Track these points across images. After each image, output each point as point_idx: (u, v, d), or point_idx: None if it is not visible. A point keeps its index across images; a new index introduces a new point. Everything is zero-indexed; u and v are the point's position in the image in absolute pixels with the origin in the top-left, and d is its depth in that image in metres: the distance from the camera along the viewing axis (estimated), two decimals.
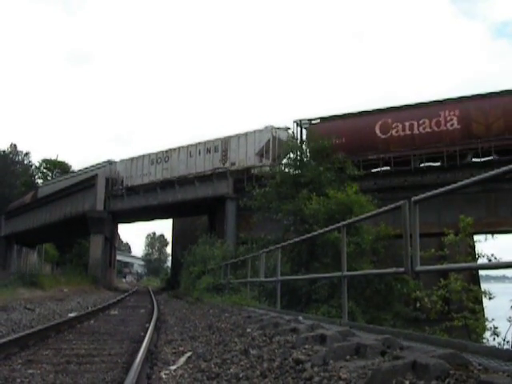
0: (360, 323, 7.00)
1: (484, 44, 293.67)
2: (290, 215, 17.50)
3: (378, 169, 23.87)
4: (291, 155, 20.69)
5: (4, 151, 67.41)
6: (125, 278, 79.94)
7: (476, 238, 12.59)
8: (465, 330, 9.53)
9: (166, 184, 31.84)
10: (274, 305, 10.05)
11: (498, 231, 19.52)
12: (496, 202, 20.67)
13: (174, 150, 32.27)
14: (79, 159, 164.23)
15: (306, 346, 4.14)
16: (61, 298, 17.81)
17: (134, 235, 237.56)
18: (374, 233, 14.87)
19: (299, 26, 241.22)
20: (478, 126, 22.33)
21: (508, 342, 8.06)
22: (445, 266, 6.89)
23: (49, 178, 58.59)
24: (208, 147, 30.38)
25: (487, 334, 9.41)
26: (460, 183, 3.96)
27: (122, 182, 34.52)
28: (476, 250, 11.97)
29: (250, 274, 13.08)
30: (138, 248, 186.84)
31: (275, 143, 27.77)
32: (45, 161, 62.70)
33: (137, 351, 5.55)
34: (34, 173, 65.27)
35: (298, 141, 25.76)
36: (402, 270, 4.52)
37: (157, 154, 33.16)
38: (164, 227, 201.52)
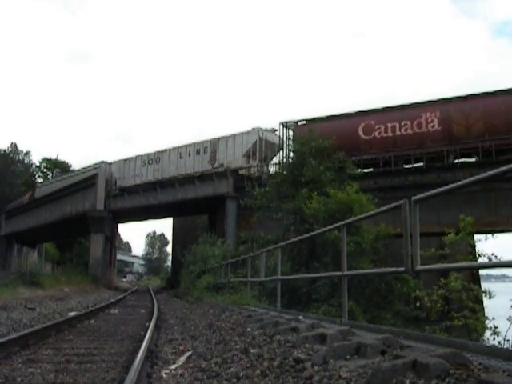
0: (360, 322, 7.00)
1: (484, 43, 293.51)
2: (290, 214, 17.51)
3: (379, 168, 23.90)
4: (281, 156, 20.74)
5: (4, 150, 67.45)
6: (125, 277, 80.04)
7: (476, 237, 12.58)
8: (465, 330, 9.53)
9: (158, 185, 32.35)
10: (275, 304, 10.05)
11: (498, 230, 19.51)
12: (496, 201, 20.67)
13: (165, 151, 32.84)
14: (79, 158, 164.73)
15: (307, 345, 4.14)
16: (61, 297, 17.82)
17: (135, 234, 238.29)
18: (374, 232, 14.86)
19: (291, 27, 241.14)
20: (459, 128, 22.69)
21: (508, 341, 8.06)
22: (445, 265, 6.89)
23: (49, 177, 58.64)
24: (197, 148, 30.93)
25: (487, 334, 9.41)
26: (460, 183, 3.96)
27: (116, 182, 34.89)
28: (476, 249, 11.97)
29: (250, 273, 13.09)
30: (139, 247, 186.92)
31: (262, 145, 28.33)
32: (45, 160, 62.76)
33: (137, 350, 5.55)
34: (35, 172, 65.34)
35: (285, 142, 26.32)
36: (402, 269, 4.52)
37: (148, 155, 33.76)
38: (164, 226, 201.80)
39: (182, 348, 5.84)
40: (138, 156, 34.41)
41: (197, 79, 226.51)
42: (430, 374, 2.60)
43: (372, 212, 6.59)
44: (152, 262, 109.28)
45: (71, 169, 57.30)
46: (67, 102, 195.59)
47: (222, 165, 29.26)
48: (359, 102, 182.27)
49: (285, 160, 25.64)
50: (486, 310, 10.66)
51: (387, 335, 3.95)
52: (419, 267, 4.30)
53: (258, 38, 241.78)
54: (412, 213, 4.39)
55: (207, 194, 29.36)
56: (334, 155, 19.16)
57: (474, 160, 21.70)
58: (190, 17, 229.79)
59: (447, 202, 19.54)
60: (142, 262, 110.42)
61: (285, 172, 19.35)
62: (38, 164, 64.72)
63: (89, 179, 35.67)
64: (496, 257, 8.97)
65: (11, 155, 68.28)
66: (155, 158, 33.13)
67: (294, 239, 10.71)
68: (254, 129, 29.12)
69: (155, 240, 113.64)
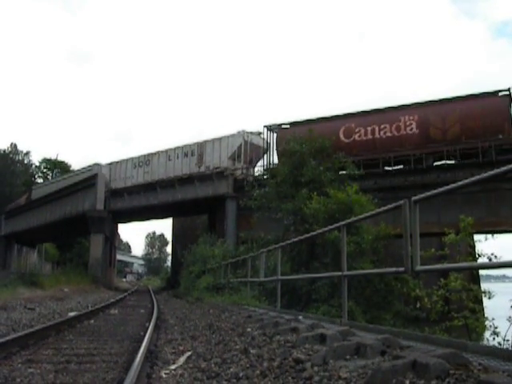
0: (360, 323, 7.00)
1: (484, 44, 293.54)
2: (290, 215, 17.51)
3: (379, 168, 23.94)
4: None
5: (4, 151, 67.48)
6: (125, 277, 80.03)
7: (476, 237, 12.58)
8: (465, 330, 9.53)
9: (148, 187, 33.08)
10: (274, 304, 10.05)
11: (499, 231, 19.52)
12: (496, 201, 20.68)
13: (155, 154, 33.68)
14: (79, 158, 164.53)
15: (306, 346, 4.14)
16: (61, 297, 17.80)
17: (134, 235, 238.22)
18: (374, 232, 14.87)
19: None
20: (436, 131, 23.19)
21: (508, 341, 8.06)
22: (445, 265, 6.89)
23: (49, 177, 58.67)
24: (185, 151, 31.70)
25: (487, 334, 9.41)
26: (460, 183, 3.96)
27: (107, 184, 35.34)
28: (476, 249, 11.97)
29: (250, 273, 13.09)
30: (138, 247, 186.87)
31: (247, 147, 29.01)
32: (45, 160, 62.76)
33: (137, 351, 5.55)
34: (34, 172, 65.34)
35: (270, 145, 27.35)
36: (402, 269, 4.52)
37: (139, 157, 34.54)
38: (164, 227, 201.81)
39: (181, 348, 5.83)
40: (129, 158, 35.16)
41: (196, 79, 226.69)
42: (429, 374, 2.60)
43: (372, 212, 6.59)
44: (152, 262, 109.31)
45: (71, 169, 57.34)
46: (67, 102, 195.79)
47: (209, 167, 30.00)
48: (359, 102, 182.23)
49: (270, 162, 27.15)
50: (485, 311, 10.67)
51: (387, 335, 3.95)
52: (419, 267, 4.30)
53: (248, 41, 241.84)
54: (412, 213, 4.39)
55: (207, 194, 29.44)
56: (334, 155, 19.18)
57: (473, 160, 21.72)
58: (186, 20, 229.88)
59: (447, 202, 19.55)
60: (142, 262, 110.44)
61: (281, 172, 19.31)
62: (37, 164, 64.80)
63: (88, 179, 35.72)
64: (496, 257, 8.98)
65: (11, 155, 68.34)
66: (145, 161, 33.97)
67: (294, 239, 10.71)
68: (239, 132, 29.75)
69: (155, 240, 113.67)
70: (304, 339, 4.34)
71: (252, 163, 28.68)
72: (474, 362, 2.90)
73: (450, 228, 10.46)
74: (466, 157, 21.83)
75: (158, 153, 33.45)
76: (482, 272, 23.27)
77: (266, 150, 28.36)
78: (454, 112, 22.87)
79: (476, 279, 21.37)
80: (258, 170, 29.04)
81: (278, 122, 28.44)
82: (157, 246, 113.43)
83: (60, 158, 63.44)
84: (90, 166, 38.36)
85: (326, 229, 8.11)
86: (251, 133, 29.89)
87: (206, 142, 30.92)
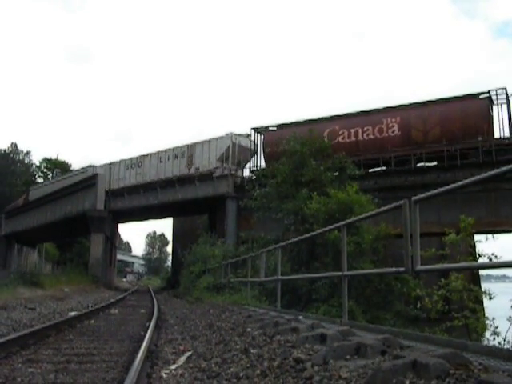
0: (360, 323, 7.00)
1: (485, 44, 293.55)
2: (290, 215, 17.50)
3: (378, 168, 24.00)
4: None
5: (4, 150, 67.47)
6: (125, 277, 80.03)
7: (476, 237, 12.58)
8: (465, 330, 9.53)
9: (140, 188, 33.62)
10: (275, 304, 10.04)
11: (499, 231, 19.52)
12: (496, 201, 20.68)
13: (146, 155, 34.43)
14: (80, 158, 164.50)
15: (307, 346, 4.14)
16: (61, 297, 17.80)
17: (135, 234, 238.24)
18: (374, 232, 14.86)
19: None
20: (417, 133, 23.55)
21: (508, 341, 8.06)
22: (445, 265, 6.89)
23: (49, 177, 58.67)
24: (176, 153, 32.40)
25: (487, 334, 9.40)
26: (460, 183, 3.95)
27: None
28: (476, 249, 11.96)
29: (250, 273, 13.08)
30: (139, 247, 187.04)
31: (235, 149, 29.56)
32: (45, 160, 62.77)
33: (137, 350, 5.55)
34: (35, 172, 65.32)
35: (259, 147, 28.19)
36: (402, 269, 4.52)
37: (131, 159, 35.27)
38: (164, 226, 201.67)
39: (182, 348, 5.84)
40: (122, 160, 35.88)
41: (196, 79, 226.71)
42: (429, 374, 2.60)
43: (372, 212, 6.58)
44: (152, 261, 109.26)
45: (71, 169, 57.36)
46: (67, 101, 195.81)
47: (198, 169, 30.59)
48: (357, 102, 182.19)
49: (256, 164, 28.15)
50: (485, 311, 10.66)
51: (387, 335, 3.95)
52: (419, 267, 4.30)
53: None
54: (412, 213, 4.39)
55: (207, 194, 29.49)
56: (335, 155, 19.20)
57: (473, 160, 21.76)
58: (182, 22, 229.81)
59: (448, 202, 19.55)
60: (142, 261, 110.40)
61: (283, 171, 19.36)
62: (38, 164, 64.80)
63: (89, 179, 35.81)
64: (496, 257, 8.97)
65: (11, 155, 68.33)
66: (137, 163, 34.69)
67: (295, 239, 10.71)
68: (227, 134, 30.33)
69: (155, 240, 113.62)
70: (304, 339, 4.34)
71: (240, 165, 29.22)
72: (474, 362, 2.90)
73: (450, 228, 10.45)
74: (448, 158, 22.14)
75: (149, 155, 34.21)
76: (482, 272, 23.27)
77: (255, 152, 29.00)
78: (434, 114, 23.30)
79: (476, 279, 21.38)
80: (255, 171, 29.42)
81: (275, 122, 29.12)
82: (157, 246, 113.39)
83: (60, 158, 63.56)
84: (84, 168, 39.27)
85: (326, 229, 8.10)
86: (239, 135, 30.46)
87: (195, 144, 31.57)
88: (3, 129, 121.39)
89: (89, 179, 35.78)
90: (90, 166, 38.23)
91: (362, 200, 15.01)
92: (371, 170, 23.96)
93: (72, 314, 11.28)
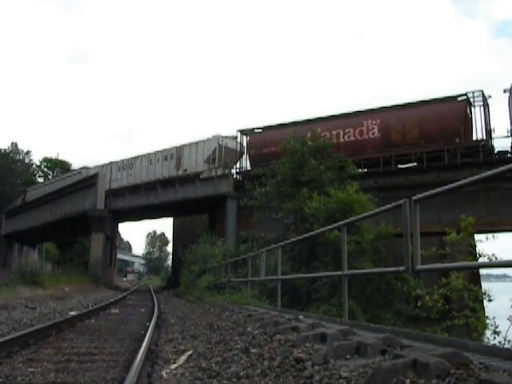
0: (360, 322, 6.99)
1: (485, 43, 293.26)
2: (290, 214, 17.51)
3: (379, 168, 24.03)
4: None
5: (5, 150, 67.43)
6: (125, 276, 80.00)
7: (476, 237, 12.58)
8: (465, 329, 9.53)
9: (132, 189, 34.36)
10: (275, 304, 10.04)
11: (499, 230, 19.52)
12: (496, 200, 20.68)
13: (137, 157, 35.42)
14: (79, 158, 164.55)
15: (307, 345, 4.14)
16: (61, 296, 17.80)
17: (135, 234, 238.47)
18: (374, 232, 14.86)
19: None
20: (396, 135, 24.04)
21: (509, 340, 8.05)
22: (445, 264, 6.88)
23: (49, 177, 58.69)
24: (165, 155, 33.36)
25: (488, 333, 9.40)
26: (460, 182, 3.95)
27: None
28: (477, 249, 11.95)
29: (250, 272, 13.08)
30: (139, 247, 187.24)
31: (221, 151, 30.28)
32: (45, 160, 62.79)
33: (137, 350, 5.56)
34: (35, 172, 65.31)
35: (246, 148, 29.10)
36: (402, 268, 4.52)
37: (123, 161, 36.26)
38: (165, 226, 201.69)
39: (182, 347, 5.84)
40: (115, 162, 36.83)
41: (196, 79, 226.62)
42: (430, 373, 2.60)
43: (372, 212, 6.59)
44: (152, 261, 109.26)
45: (71, 168, 57.38)
46: (67, 101, 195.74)
47: (186, 170, 31.36)
48: (354, 102, 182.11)
49: (241, 166, 29.09)
50: (486, 310, 10.66)
51: (387, 335, 3.95)
52: (420, 267, 4.30)
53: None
54: (412, 212, 4.39)
55: (207, 193, 29.55)
56: (335, 155, 19.21)
57: (473, 160, 21.80)
58: (179, 22, 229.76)
59: (448, 201, 19.55)
60: (143, 261, 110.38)
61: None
62: (38, 163, 64.80)
63: (89, 179, 35.87)
64: (496, 258, 8.96)
65: (11, 155, 68.29)
66: (129, 164, 35.61)
67: (295, 239, 10.71)
68: (214, 136, 31.27)
69: (156, 239, 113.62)
70: (304, 338, 4.34)
71: (227, 167, 29.77)
72: (474, 361, 2.90)
73: (450, 227, 10.45)
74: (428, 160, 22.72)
75: (140, 156, 35.18)
76: (482, 271, 23.32)
77: (242, 154, 29.77)
78: (413, 116, 23.77)
79: (476, 278, 21.38)
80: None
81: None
82: (157, 246, 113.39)
83: (61, 158, 63.58)
84: (79, 169, 40.47)
85: (326, 228, 8.10)
86: (226, 137, 31.25)
87: (183, 146, 32.43)
88: (3, 129, 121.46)
89: (89, 179, 35.81)
90: (84, 167, 39.46)
91: (362, 199, 15.02)
92: (371, 170, 24.03)
93: (72, 313, 11.28)
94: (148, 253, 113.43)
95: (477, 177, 3.86)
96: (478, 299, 9.81)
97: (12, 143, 69.03)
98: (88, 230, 35.24)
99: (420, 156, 22.89)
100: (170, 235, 58.28)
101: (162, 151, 33.75)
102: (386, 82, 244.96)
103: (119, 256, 65.82)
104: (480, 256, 9.91)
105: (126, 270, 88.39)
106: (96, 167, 38.15)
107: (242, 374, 3.88)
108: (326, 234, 12.26)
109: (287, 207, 17.21)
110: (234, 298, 12.56)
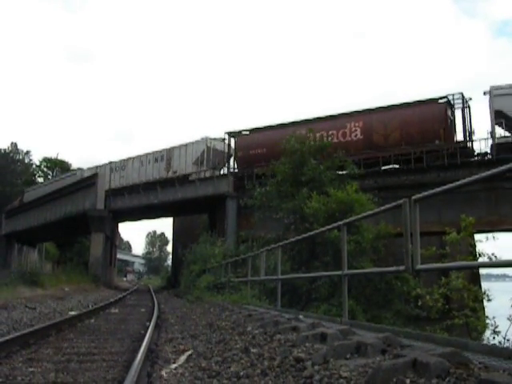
0: (360, 322, 6.99)
1: (485, 43, 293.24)
2: (290, 214, 17.51)
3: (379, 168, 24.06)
4: None
5: (4, 150, 67.38)
6: (125, 276, 79.99)
7: (476, 237, 12.58)
8: (465, 329, 9.52)
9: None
10: (275, 303, 10.04)
11: (499, 230, 19.53)
12: (496, 200, 20.69)
13: (129, 159, 36.35)
14: (79, 158, 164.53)
15: (307, 345, 4.14)
16: (61, 296, 17.80)
17: (135, 234, 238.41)
18: (374, 231, 14.86)
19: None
20: (378, 137, 24.53)
21: (508, 340, 8.05)
22: (445, 264, 6.87)
23: (49, 177, 58.67)
24: (156, 157, 34.23)
25: (488, 333, 9.40)
26: (460, 182, 3.95)
27: None
28: (477, 249, 11.95)
29: (250, 272, 13.08)
30: (139, 247, 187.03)
31: (210, 153, 31.05)
32: (45, 159, 62.78)
33: (137, 350, 5.55)
34: (35, 171, 65.29)
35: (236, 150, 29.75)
36: (402, 268, 4.52)
37: (115, 162, 37.14)
38: (165, 226, 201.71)
39: (182, 347, 5.83)
40: (108, 163, 37.56)
41: (197, 78, 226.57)
42: (430, 373, 2.60)
43: (372, 211, 6.58)
44: (152, 261, 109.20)
45: (71, 168, 57.37)
46: (67, 101, 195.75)
47: (176, 172, 32.10)
48: (355, 102, 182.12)
49: (228, 168, 29.85)
50: (486, 310, 10.66)
51: (387, 334, 3.94)
52: (419, 266, 4.30)
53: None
54: (412, 212, 4.39)
55: (207, 193, 29.57)
56: (335, 154, 19.22)
57: (474, 159, 21.85)
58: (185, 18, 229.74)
59: (448, 201, 19.56)
60: (143, 261, 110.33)
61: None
62: (38, 163, 64.79)
63: (88, 179, 35.89)
64: (496, 257, 8.96)
65: (11, 154, 68.22)
66: (121, 166, 36.37)
67: (294, 239, 10.71)
68: (202, 138, 31.95)
69: (155, 239, 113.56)
70: (304, 338, 4.34)
71: (216, 168, 30.37)
72: (474, 361, 2.90)
73: (450, 227, 10.45)
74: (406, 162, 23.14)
75: (132, 158, 35.90)
76: (482, 271, 23.32)
77: (231, 156, 30.44)
78: (395, 118, 24.16)
79: (476, 278, 21.41)
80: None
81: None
82: (157, 245, 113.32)
83: (60, 158, 63.59)
84: (73, 171, 41.67)
85: (326, 228, 8.10)
86: (215, 139, 31.85)
87: (173, 148, 33.15)
88: (3, 129, 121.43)
89: (88, 179, 35.82)
90: (79, 168, 40.53)
91: (362, 199, 15.02)
92: (371, 170, 24.05)
93: (72, 313, 11.28)
94: (148, 253, 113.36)
95: (476, 176, 3.86)
96: (477, 299, 9.81)
97: (12, 143, 68.97)
98: (88, 229, 35.22)
99: (400, 158, 23.28)
100: (169, 235, 58.28)
101: (152, 153, 34.43)
102: (386, 82, 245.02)
103: (119, 256, 65.82)
104: (480, 255, 9.91)
105: (126, 270, 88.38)
106: (90, 168, 38.99)
107: (241, 373, 3.87)
108: (326, 233, 12.26)
109: (287, 207, 17.21)
110: (233, 297, 12.55)
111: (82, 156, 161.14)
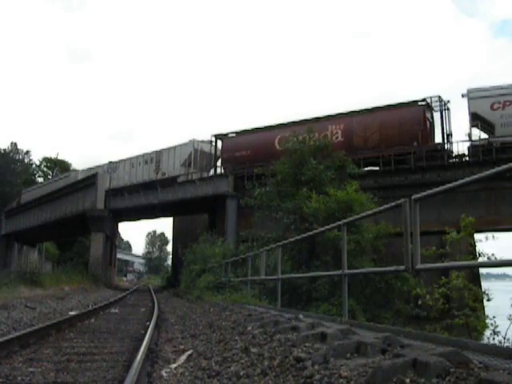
0: (360, 321, 6.99)
1: (485, 43, 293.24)
2: (290, 213, 17.49)
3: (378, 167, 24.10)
4: None
5: (4, 150, 67.38)
6: (125, 276, 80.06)
7: (476, 237, 12.58)
8: (465, 328, 9.52)
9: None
10: (275, 303, 10.04)
11: (499, 229, 19.54)
12: (496, 200, 20.69)
13: (120, 161, 37.18)
14: (79, 157, 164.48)
15: (307, 344, 4.13)
16: (61, 296, 17.79)
17: (135, 233, 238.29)
18: (374, 231, 14.85)
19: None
20: (358, 139, 24.96)
21: (508, 339, 8.05)
22: (445, 263, 6.87)
23: (49, 176, 58.68)
24: (146, 159, 35.06)
25: (488, 333, 9.39)
26: (460, 181, 3.95)
27: None
28: (477, 249, 11.95)
29: (250, 272, 13.08)
30: (139, 246, 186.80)
31: (197, 155, 31.81)
32: (45, 159, 62.80)
33: (137, 349, 5.55)
34: (35, 171, 65.31)
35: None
36: (402, 267, 4.51)
37: (108, 164, 37.74)
38: (164, 225, 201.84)
39: (182, 347, 5.84)
40: (100, 165, 38.35)
41: (197, 78, 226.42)
42: (430, 372, 2.60)
43: (372, 211, 6.58)
44: (152, 261, 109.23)
45: (71, 168, 57.39)
46: (67, 101, 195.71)
47: (165, 174, 32.78)
48: (353, 101, 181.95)
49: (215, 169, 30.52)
50: (486, 309, 10.66)
51: (387, 334, 3.94)
52: (419, 266, 4.29)
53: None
54: (412, 211, 4.38)
55: (207, 193, 29.56)
56: (334, 154, 19.22)
57: (473, 159, 21.89)
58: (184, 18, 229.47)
59: (448, 200, 19.57)
60: (143, 261, 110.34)
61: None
62: (38, 163, 64.81)
63: (88, 179, 35.91)
64: (496, 258, 8.95)
65: (11, 154, 68.23)
66: (113, 167, 36.97)
67: (294, 238, 10.70)
68: (190, 141, 32.57)
69: (155, 239, 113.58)
70: (304, 338, 4.33)
71: (203, 170, 31.00)
72: (474, 361, 2.90)
73: (450, 226, 10.45)
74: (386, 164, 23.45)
75: (123, 160, 36.74)
76: (482, 271, 23.35)
77: (218, 158, 31.08)
78: (375, 121, 24.50)
79: (476, 278, 21.42)
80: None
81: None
82: (157, 245, 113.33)
83: (60, 157, 63.63)
84: (68, 173, 42.69)
85: (326, 227, 8.10)
86: (202, 141, 32.51)
87: (162, 150, 33.87)
88: (3, 129, 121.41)
89: (88, 179, 35.84)
90: (74, 170, 41.80)
91: (362, 199, 15.00)
92: (371, 169, 24.08)
93: (72, 313, 11.28)
94: (148, 252, 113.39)
95: (476, 176, 3.86)
96: (477, 298, 9.81)
97: (12, 143, 69.06)
98: (88, 229, 35.24)
99: (382, 159, 23.50)
100: (169, 235, 58.28)
101: (142, 155, 35.07)
102: (386, 82, 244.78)
103: (119, 256, 65.83)
104: (480, 255, 9.91)
105: (126, 270, 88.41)
106: (84, 170, 39.77)
107: (242, 373, 3.87)
108: (326, 233, 12.25)
109: (287, 207, 17.20)
110: (233, 297, 12.55)
111: (82, 156, 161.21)
